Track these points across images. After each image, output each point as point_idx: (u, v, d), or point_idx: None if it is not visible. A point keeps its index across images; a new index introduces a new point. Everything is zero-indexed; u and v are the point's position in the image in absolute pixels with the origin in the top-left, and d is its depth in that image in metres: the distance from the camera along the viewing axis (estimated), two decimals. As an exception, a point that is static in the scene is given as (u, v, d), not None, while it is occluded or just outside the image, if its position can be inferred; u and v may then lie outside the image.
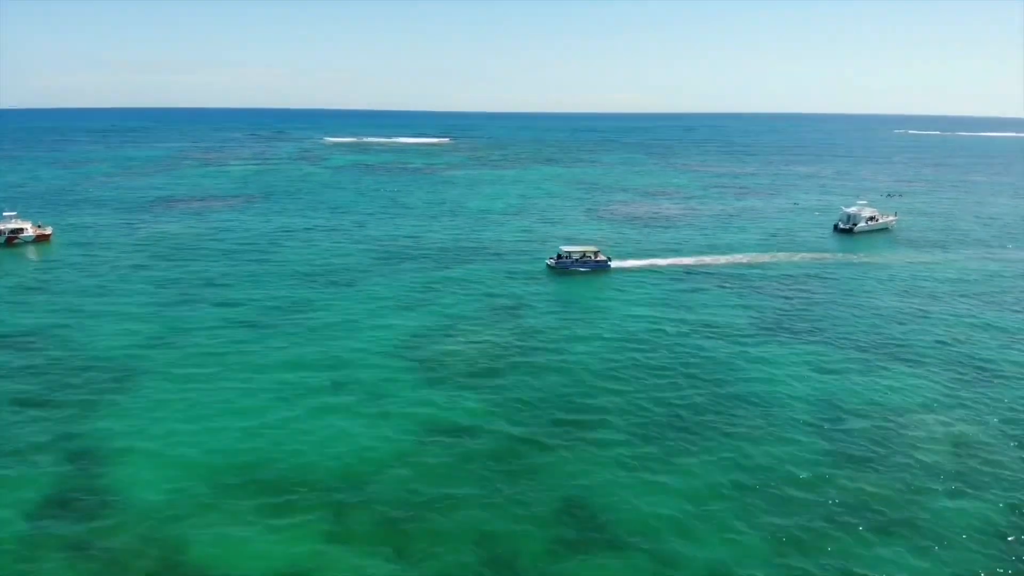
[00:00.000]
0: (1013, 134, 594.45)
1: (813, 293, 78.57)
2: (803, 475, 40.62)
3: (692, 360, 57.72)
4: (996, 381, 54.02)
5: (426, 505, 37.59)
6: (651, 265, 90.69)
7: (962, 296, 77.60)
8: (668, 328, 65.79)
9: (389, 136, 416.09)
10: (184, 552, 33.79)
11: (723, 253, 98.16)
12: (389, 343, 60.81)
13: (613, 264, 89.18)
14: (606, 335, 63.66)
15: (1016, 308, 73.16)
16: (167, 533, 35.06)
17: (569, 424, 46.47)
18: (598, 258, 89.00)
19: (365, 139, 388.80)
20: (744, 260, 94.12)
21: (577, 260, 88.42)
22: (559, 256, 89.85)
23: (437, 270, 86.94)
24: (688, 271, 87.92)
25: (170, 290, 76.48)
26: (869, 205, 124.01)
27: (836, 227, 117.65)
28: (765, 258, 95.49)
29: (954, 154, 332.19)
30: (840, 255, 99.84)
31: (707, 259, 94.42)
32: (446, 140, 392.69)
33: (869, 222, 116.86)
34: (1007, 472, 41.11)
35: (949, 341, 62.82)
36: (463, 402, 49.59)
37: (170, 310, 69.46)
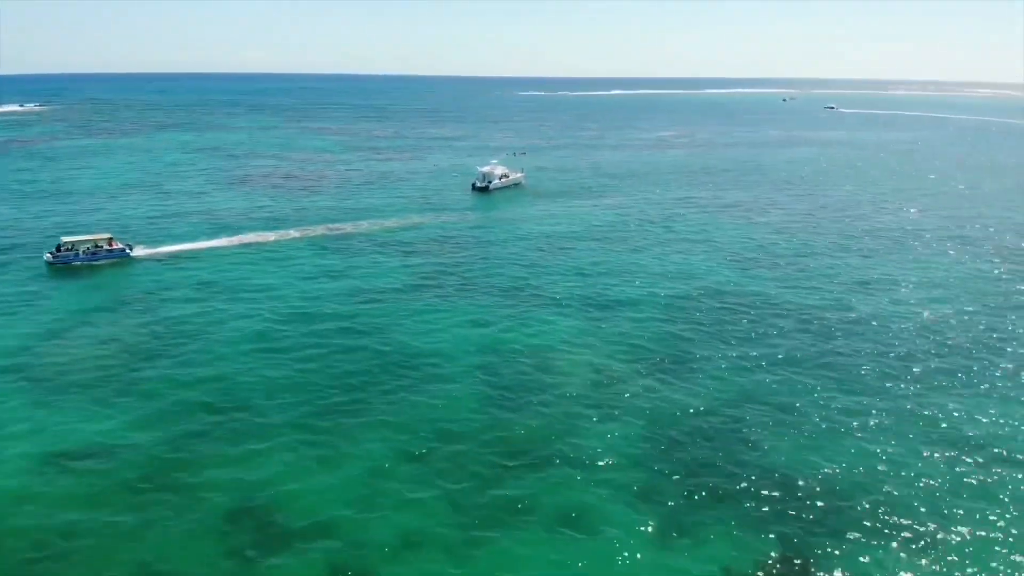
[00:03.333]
0: (613, 92, 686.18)
1: (462, 249, 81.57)
2: (470, 424, 41.89)
3: (349, 330, 56.22)
4: (619, 314, 60.89)
5: (63, 546, 31.10)
6: (279, 238, 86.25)
7: (587, 241, 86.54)
8: (321, 300, 63.28)
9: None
10: None
11: (372, 217, 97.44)
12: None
13: (138, 252, 76.20)
14: (252, 315, 59.15)
15: (631, 249, 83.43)
16: None
17: (223, 420, 42.00)
18: (113, 246, 74.97)
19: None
20: (393, 224, 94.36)
21: (86, 252, 73.32)
22: (59, 248, 73.23)
23: (38, 265, 73.01)
24: (339, 238, 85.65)
25: None
26: (500, 164, 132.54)
27: (474, 186, 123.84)
28: (411, 220, 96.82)
29: (564, 112, 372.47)
30: (480, 212, 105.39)
31: (361, 224, 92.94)
32: (38, 107, 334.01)
33: (502, 179, 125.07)
34: (635, 396, 46.40)
35: (582, 281, 69.39)
36: (92, 417, 42.25)
37: None
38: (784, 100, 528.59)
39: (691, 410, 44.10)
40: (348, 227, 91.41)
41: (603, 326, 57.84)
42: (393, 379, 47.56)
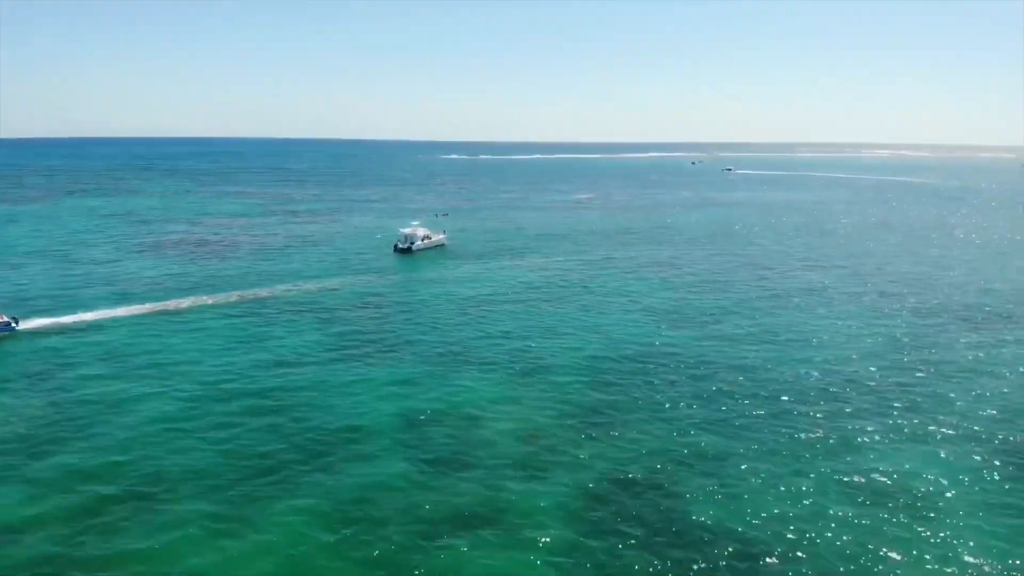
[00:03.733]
0: (533, 156, 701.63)
1: (384, 313, 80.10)
2: (393, 502, 40.00)
3: (264, 404, 53.68)
4: (545, 376, 60.44)
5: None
6: (191, 305, 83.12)
7: (511, 302, 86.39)
8: (234, 372, 60.54)
9: None
10: None
11: (290, 282, 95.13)
12: None
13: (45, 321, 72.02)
14: (159, 391, 55.87)
15: (554, 310, 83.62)
16: None
17: (127, 511, 38.84)
18: None
19: None
20: (313, 287, 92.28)
21: None
22: None
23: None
24: (256, 304, 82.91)
25: None
26: (422, 225, 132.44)
27: (396, 247, 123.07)
28: (334, 283, 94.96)
29: (485, 175, 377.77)
30: (403, 274, 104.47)
31: (278, 289, 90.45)
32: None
33: (424, 240, 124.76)
34: (563, 461, 45.54)
35: (506, 343, 68.84)
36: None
37: None
38: (693, 163, 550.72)
39: (619, 473, 43.52)
40: (265, 292, 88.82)
41: (529, 389, 57.15)
42: (311, 457, 45.26)
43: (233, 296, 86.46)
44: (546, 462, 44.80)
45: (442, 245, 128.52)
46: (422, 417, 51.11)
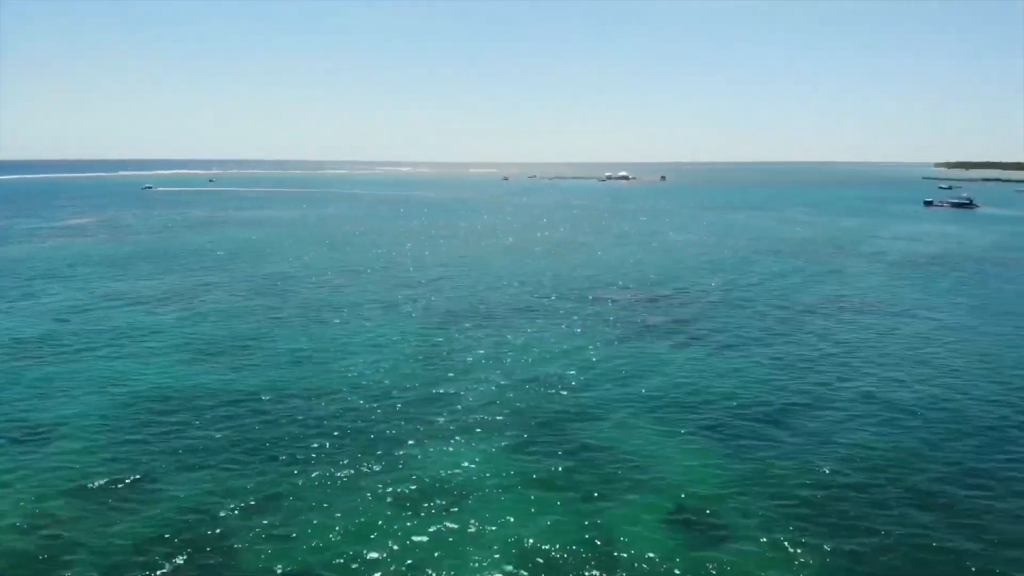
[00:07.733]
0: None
1: None
2: None
3: None
4: (48, 444, 50.63)
5: None
6: None
7: (-13, 360, 70.38)
8: None
9: None
10: None
11: None
12: None
13: None
14: None
15: (45, 362, 70.54)
16: None
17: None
18: None
19: None
20: None
21: None
22: None
23: None
24: None
25: None
26: None
27: None
28: None
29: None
30: None
31: None
32: None
33: None
34: (84, 535, 38.61)
35: None
36: None
37: None
38: (211, 180, 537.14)
39: (154, 543, 37.98)
40: None
41: (27, 465, 46.90)
42: None
43: None
44: (72, 545, 37.31)
45: None
46: None
